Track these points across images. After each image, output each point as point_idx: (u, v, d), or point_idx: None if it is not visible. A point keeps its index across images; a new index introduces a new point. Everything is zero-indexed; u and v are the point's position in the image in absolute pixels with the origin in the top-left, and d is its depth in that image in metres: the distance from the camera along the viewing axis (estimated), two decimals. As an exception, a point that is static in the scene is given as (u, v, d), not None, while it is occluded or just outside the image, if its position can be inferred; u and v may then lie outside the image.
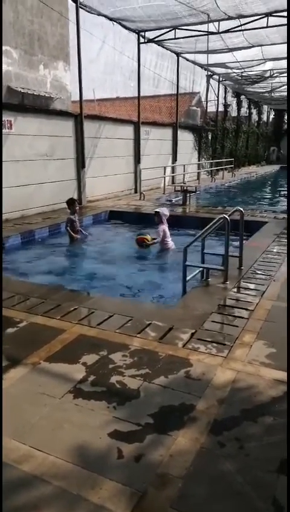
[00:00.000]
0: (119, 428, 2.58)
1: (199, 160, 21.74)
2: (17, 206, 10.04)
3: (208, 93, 22.40)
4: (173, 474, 2.22)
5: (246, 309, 4.42)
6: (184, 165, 18.14)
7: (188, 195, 12.88)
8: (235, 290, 5.05)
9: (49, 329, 3.99)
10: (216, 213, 9.91)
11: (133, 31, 14.10)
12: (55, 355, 3.48)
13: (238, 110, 28.49)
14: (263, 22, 12.49)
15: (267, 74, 21.27)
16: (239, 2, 11.34)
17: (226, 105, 25.96)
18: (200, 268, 5.43)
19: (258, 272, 5.68)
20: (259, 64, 18.85)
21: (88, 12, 11.65)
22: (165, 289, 6.08)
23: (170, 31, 14.10)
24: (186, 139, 20.25)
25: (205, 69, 20.60)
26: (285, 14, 11.74)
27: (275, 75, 21.26)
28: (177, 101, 18.45)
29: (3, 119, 9.39)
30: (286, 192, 11.23)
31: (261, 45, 15.51)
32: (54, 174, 11.18)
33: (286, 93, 25.64)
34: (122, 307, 4.63)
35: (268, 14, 12.21)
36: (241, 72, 20.94)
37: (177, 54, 17.55)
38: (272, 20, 12.39)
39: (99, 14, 12.07)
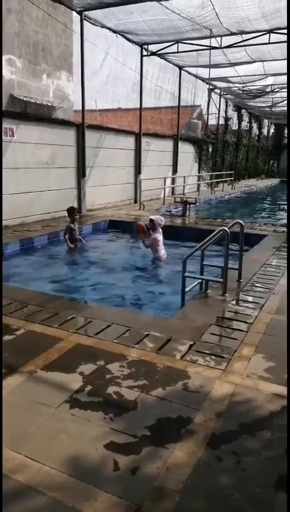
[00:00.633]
0: (115, 440, 2.55)
1: (199, 172, 21.86)
2: (17, 213, 10.06)
3: (209, 106, 22.64)
4: (170, 487, 2.19)
5: (245, 322, 4.41)
6: (184, 177, 18.23)
7: (187, 206, 12.92)
8: (234, 302, 5.04)
9: (47, 337, 3.96)
10: (216, 225, 9.95)
11: (137, 43, 14.26)
12: (52, 364, 3.45)
13: (239, 123, 28.76)
14: (265, 38, 12.66)
15: (269, 89, 21.49)
16: (242, 19, 11.50)
17: (227, 119, 26.20)
18: (199, 280, 5.42)
19: (257, 285, 5.67)
20: (260, 79, 19.04)
21: (92, 24, 11.78)
22: (163, 300, 6.06)
23: (173, 44, 14.27)
24: (186, 151, 20.39)
25: (207, 83, 20.81)
26: (285, 31, 11.92)
27: (276, 90, 21.49)
28: (178, 114, 18.61)
29: (5, 126, 9.43)
30: (285, 206, 11.27)
31: (262, 60, 15.71)
32: (54, 182, 11.21)
33: (286, 108, 25.90)
34: (120, 316, 4.61)
35: (270, 31, 12.37)
36: (243, 87, 21.16)
37: (180, 67, 17.75)
38: (274, 37, 12.56)
39: (103, 27, 12.21)
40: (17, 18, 11.66)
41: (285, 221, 11.65)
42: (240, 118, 28.71)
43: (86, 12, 11.21)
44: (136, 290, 6.51)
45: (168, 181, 17.56)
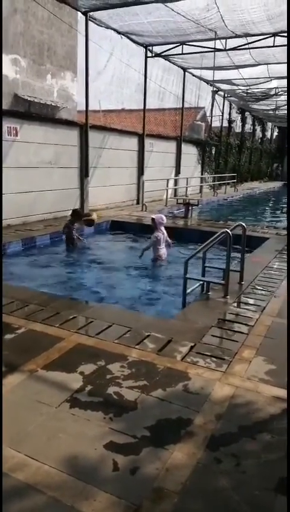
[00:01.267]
0: (115, 440, 2.55)
1: (202, 174, 21.86)
2: (20, 213, 10.07)
3: (213, 108, 22.61)
4: (169, 488, 2.19)
5: (246, 324, 4.40)
6: (187, 178, 18.24)
7: (190, 208, 12.92)
8: (235, 304, 5.04)
9: (48, 336, 3.97)
10: (218, 227, 9.96)
11: (141, 45, 14.28)
12: (52, 363, 3.45)
13: (243, 126, 28.74)
14: (269, 41, 12.66)
15: (273, 92, 21.49)
16: (246, 22, 11.50)
17: (230, 121, 26.18)
18: (201, 282, 5.42)
19: (259, 288, 5.67)
20: (265, 82, 19.05)
21: (97, 25, 11.80)
22: (164, 301, 6.06)
23: (178, 46, 14.27)
24: (190, 152, 20.39)
25: (211, 85, 20.80)
26: (286, 34, 11.93)
27: (280, 93, 21.48)
28: (182, 115, 18.61)
29: (9, 126, 9.45)
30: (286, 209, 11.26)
31: (267, 63, 15.70)
32: (57, 182, 11.23)
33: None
34: (121, 317, 4.61)
35: (275, 34, 12.38)
36: (247, 89, 21.18)
37: (184, 69, 17.76)
38: (279, 40, 12.56)
39: (108, 27, 12.22)
40: (23, 18, 11.70)
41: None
42: (243, 121, 28.69)
43: (91, 13, 11.23)
44: (138, 290, 6.51)
45: (171, 182, 17.57)
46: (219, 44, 13.40)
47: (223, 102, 23.82)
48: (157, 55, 15.10)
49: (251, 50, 13.85)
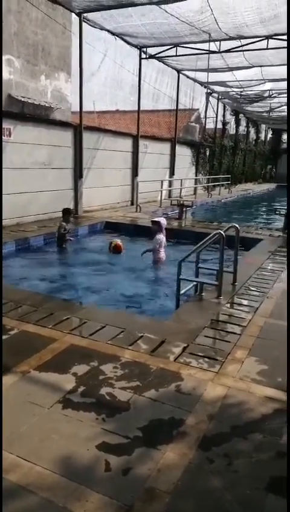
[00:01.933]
0: (107, 441, 2.56)
1: (196, 176, 21.91)
2: (14, 213, 10.04)
3: (207, 110, 22.69)
4: (161, 488, 2.20)
5: (239, 325, 4.42)
6: (181, 180, 18.27)
7: (184, 209, 12.94)
8: (228, 305, 5.06)
9: (41, 337, 3.96)
10: (212, 228, 9.99)
11: (135, 46, 14.29)
12: (45, 364, 3.45)
13: (237, 128, 28.86)
14: (263, 43, 12.73)
15: (266, 94, 21.61)
16: (240, 24, 11.55)
17: (224, 123, 26.28)
18: (194, 283, 5.44)
19: (252, 288, 5.69)
20: (258, 84, 19.14)
21: (91, 26, 11.80)
22: (158, 302, 6.07)
23: (172, 48, 14.30)
24: (184, 154, 20.44)
25: (205, 87, 20.88)
26: (285, 37, 11.99)
27: (274, 95, 21.61)
28: (176, 117, 18.65)
29: (3, 127, 9.42)
30: (285, 212, 11.30)
31: (261, 66, 15.79)
32: (51, 183, 11.21)
33: (284, 113, 26.03)
34: (114, 318, 4.61)
35: (268, 37, 12.44)
36: (241, 91, 21.27)
37: (178, 71, 17.80)
38: (273, 43, 12.63)
39: (102, 29, 12.23)
40: (16, 19, 11.66)
41: (281, 225, 11.68)
42: (237, 123, 28.81)
43: (85, 14, 11.23)
44: (132, 291, 6.51)
45: (165, 184, 17.59)
46: (213, 46, 13.44)
47: (217, 104, 23.90)
48: (152, 56, 15.12)
49: (244, 52, 13.90)
